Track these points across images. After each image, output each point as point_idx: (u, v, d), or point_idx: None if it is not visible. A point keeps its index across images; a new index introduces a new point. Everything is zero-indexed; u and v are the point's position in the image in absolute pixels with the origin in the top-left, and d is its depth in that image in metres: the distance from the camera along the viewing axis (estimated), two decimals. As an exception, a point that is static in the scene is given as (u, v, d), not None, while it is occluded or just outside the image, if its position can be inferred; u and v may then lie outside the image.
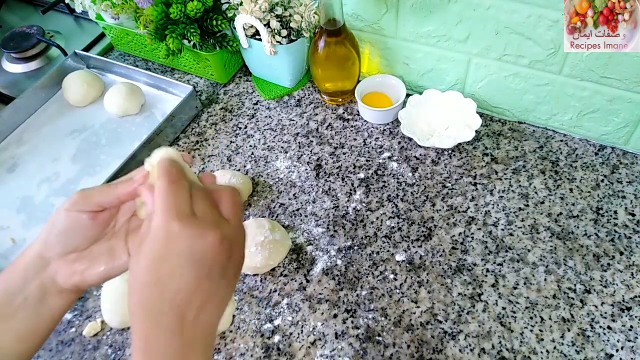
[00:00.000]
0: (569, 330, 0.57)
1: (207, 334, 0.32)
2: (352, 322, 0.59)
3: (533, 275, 0.61)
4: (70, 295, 0.38)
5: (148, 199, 0.34)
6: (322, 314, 0.61)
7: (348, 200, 0.71)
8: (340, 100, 0.83)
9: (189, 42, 0.82)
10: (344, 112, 0.83)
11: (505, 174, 0.72)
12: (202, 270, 0.31)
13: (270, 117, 0.84)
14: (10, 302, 0.36)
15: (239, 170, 0.77)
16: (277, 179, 0.75)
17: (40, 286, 0.37)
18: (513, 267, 0.62)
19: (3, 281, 0.36)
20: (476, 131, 0.73)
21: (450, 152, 0.75)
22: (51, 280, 0.37)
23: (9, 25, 1.13)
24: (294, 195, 0.73)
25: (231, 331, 0.60)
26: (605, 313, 0.58)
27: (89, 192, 0.37)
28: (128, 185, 0.37)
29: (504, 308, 0.59)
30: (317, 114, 0.83)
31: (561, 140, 0.75)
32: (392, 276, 0.63)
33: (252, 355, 0.58)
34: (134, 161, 0.75)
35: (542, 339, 0.56)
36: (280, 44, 0.77)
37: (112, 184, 0.38)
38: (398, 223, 0.68)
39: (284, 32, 0.75)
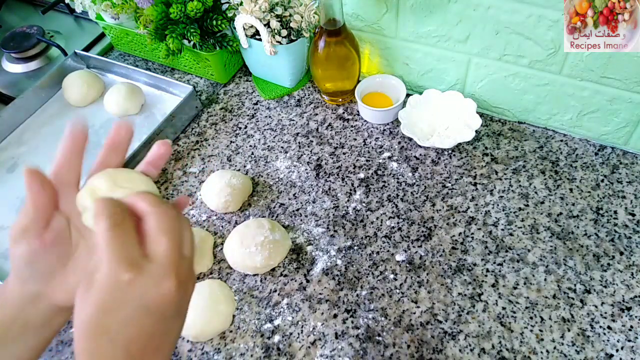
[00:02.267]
0: (569, 330, 0.57)
1: None
2: (352, 322, 0.59)
3: (533, 275, 0.61)
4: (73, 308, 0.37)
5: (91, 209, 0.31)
6: (322, 314, 0.61)
7: (348, 200, 0.71)
8: (340, 100, 0.83)
9: (189, 42, 0.82)
10: (344, 112, 0.83)
11: (505, 174, 0.72)
12: (157, 317, 0.30)
13: (270, 117, 0.84)
14: (7, 330, 0.34)
15: (239, 170, 0.77)
16: (277, 179, 0.75)
17: (41, 315, 0.35)
18: (513, 267, 0.62)
19: None
20: (476, 131, 0.73)
21: (450, 152, 0.75)
22: (51, 305, 0.35)
23: (9, 25, 1.13)
24: (294, 195, 0.73)
25: (231, 331, 0.60)
26: (605, 313, 0.58)
27: (15, 222, 0.35)
28: (32, 197, 0.35)
29: (504, 308, 0.59)
30: (317, 114, 0.83)
31: (561, 140, 0.75)
32: (392, 276, 0.63)
33: (252, 355, 0.58)
34: (134, 161, 0.75)
35: (542, 339, 0.56)
36: (280, 44, 0.77)
37: (27, 201, 0.35)
38: (398, 223, 0.68)
39: (284, 32, 0.76)
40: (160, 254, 0.30)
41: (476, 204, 0.69)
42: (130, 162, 0.75)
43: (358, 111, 0.82)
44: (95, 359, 0.29)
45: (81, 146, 0.38)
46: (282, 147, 0.79)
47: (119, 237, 0.30)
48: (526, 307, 0.59)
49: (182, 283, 0.31)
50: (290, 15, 0.75)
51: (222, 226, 0.71)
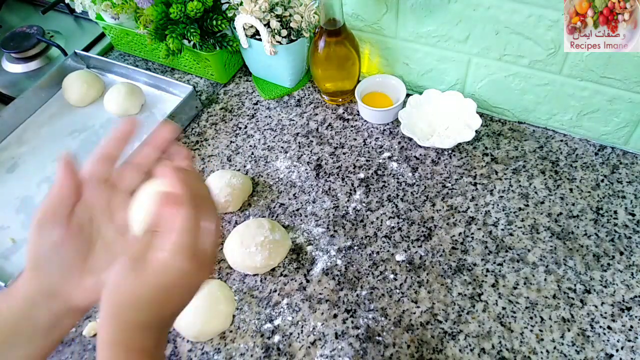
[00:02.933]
0: (569, 330, 0.57)
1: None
2: (352, 322, 0.59)
3: (533, 275, 0.61)
4: (85, 310, 0.37)
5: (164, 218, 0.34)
6: (322, 314, 0.61)
7: (348, 200, 0.71)
8: (340, 100, 0.83)
9: (189, 42, 0.82)
10: (344, 112, 0.83)
11: (505, 174, 0.72)
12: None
13: (270, 117, 0.84)
14: (17, 329, 0.34)
15: (239, 170, 0.77)
16: (277, 179, 0.75)
17: (52, 315, 0.35)
18: (513, 267, 0.62)
19: (1, 312, 0.34)
20: (476, 131, 0.73)
21: (450, 152, 0.75)
22: (65, 306, 0.35)
23: (9, 25, 1.13)
24: (294, 195, 0.73)
25: (231, 331, 0.60)
26: (605, 313, 0.58)
27: (41, 208, 0.36)
28: (61, 183, 0.36)
29: (504, 308, 0.59)
30: (317, 114, 0.83)
31: (561, 140, 0.75)
32: (392, 276, 0.63)
33: (252, 355, 0.58)
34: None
35: (542, 339, 0.56)
36: (280, 44, 0.77)
37: (54, 187, 0.37)
38: (398, 223, 0.68)
39: (284, 32, 0.76)
40: (204, 249, 0.35)
41: (476, 204, 0.69)
42: (129, 163, 0.75)
43: (358, 111, 0.82)
44: (142, 324, 0.33)
45: (121, 147, 0.41)
46: (282, 147, 0.79)
47: (195, 230, 0.33)
48: (526, 307, 0.59)
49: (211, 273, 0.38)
50: (290, 15, 0.75)
51: (222, 226, 0.71)
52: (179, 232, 0.33)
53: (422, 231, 0.67)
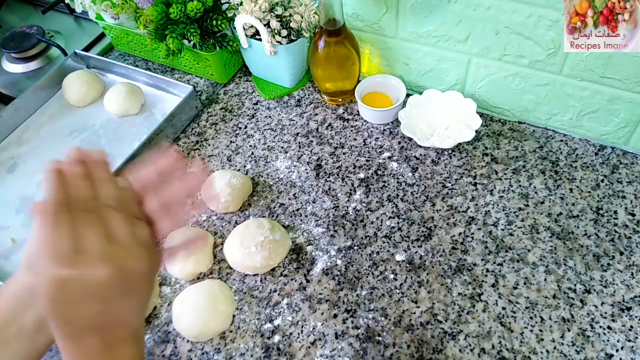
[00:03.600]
0: (569, 330, 0.57)
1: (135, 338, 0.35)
2: (352, 322, 0.59)
3: (533, 275, 0.61)
4: None
5: None
6: (322, 314, 0.61)
7: (348, 200, 0.71)
8: (340, 100, 0.83)
9: (189, 42, 0.82)
10: (344, 112, 0.83)
11: (505, 174, 0.72)
12: (100, 299, 0.32)
13: (270, 117, 0.84)
14: (3, 330, 0.34)
15: (239, 170, 0.77)
16: (277, 179, 0.75)
17: (36, 316, 0.35)
18: (513, 267, 0.62)
19: None
20: (476, 131, 0.73)
21: (450, 152, 0.75)
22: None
23: (9, 25, 1.13)
24: (294, 195, 0.73)
25: (231, 331, 0.60)
26: (605, 313, 0.58)
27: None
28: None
29: (504, 308, 0.59)
30: (317, 114, 0.83)
31: (561, 140, 0.75)
32: (392, 276, 0.63)
33: (252, 355, 0.58)
34: (134, 161, 0.75)
35: (542, 339, 0.56)
36: (280, 44, 0.77)
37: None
38: (398, 223, 0.68)
39: (284, 32, 0.76)
40: (86, 245, 0.32)
41: (476, 204, 0.69)
42: (130, 162, 0.75)
43: (358, 111, 0.82)
44: (67, 340, 0.32)
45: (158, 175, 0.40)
46: (282, 147, 0.79)
47: (51, 234, 0.32)
48: (526, 307, 0.59)
49: (120, 266, 0.33)
50: (290, 15, 0.75)
51: (222, 226, 0.71)
52: (36, 242, 0.32)
53: (422, 231, 0.67)
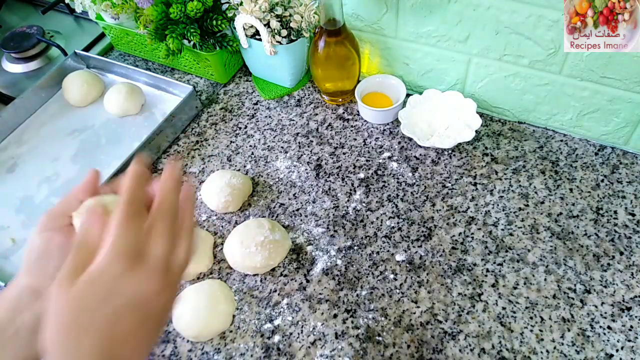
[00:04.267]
0: (569, 330, 0.57)
1: None
2: (352, 322, 0.59)
3: (533, 275, 0.61)
4: None
5: (89, 223, 0.32)
6: (322, 314, 0.61)
7: (348, 200, 0.71)
8: (340, 100, 0.83)
9: (189, 42, 0.82)
10: (344, 112, 0.83)
11: (505, 174, 0.72)
12: (142, 315, 0.30)
13: (270, 117, 0.84)
14: (2, 331, 0.34)
15: (239, 170, 0.77)
16: (277, 179, 0.75)
17: (33, 318, 0.35)
18: (513, 267, 0.62)
19: None
20: (476, 131, 0.73)
21: (450, 152, 0.75)
22: (44, 309, 0.35)
23: (9, 25, 1.13)
24: (294, 195, 0.73)
25: (231, 331, 0.60)
26: (605, 313, 0.58)
27: (52, 208, 0.36)
28: (82, 186, 0.37)
29: (504, 308, 0.59)
30: (317, 114, 0.83)
31: (561, 140, 0.75)
32: (392, 276, 0.63)
33: (252, 355, 0.58)
34: (133, 161, 0.75)
35: (542, 339, 0.56)
36: (280, 44, 0.77)
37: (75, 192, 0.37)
38: (398, 223, 0.68)
39: (284, 32, 0.75)
40: (155, 255, 0.31)
41: (476, 204, 0.69)
42: (130, 162, 0.75)
43: (358, 111, 0.82)
44: (72, 355, 0.28)
45: (146, 182, 0.37)
46: (282, 147, 0.79)
47: (128, 228, 0.31)
48: (526, 307, 0.59)
49: (167, 288, 0.31)
50: (290, 15, 0.75)
51: (222, 226, 0.71)
52: (112, 227, 0.30)
53: (422, 231, 0.67)
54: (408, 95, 0.79)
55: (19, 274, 0.36)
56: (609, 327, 0.56)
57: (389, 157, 0.76)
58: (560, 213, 0.67)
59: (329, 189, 0.73)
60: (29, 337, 0.35)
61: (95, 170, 0.38)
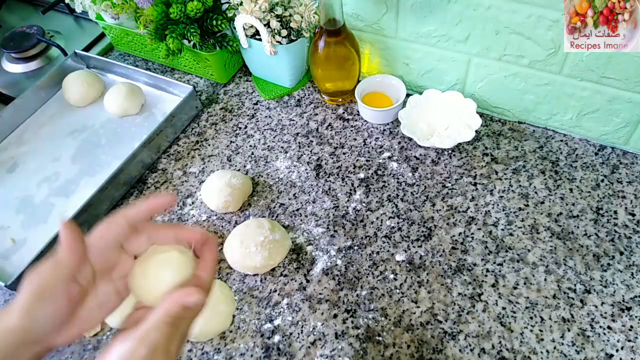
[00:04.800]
0: (569, 330, 0.57)
1: None
2: (352, 322, 0.59)
3: (533, 275, 0.61)
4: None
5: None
6: (322, 314, 0.61)
7: (348, 200, 0.71)
8: (340, 100, 0.83)
9: (189, 42, 0.82)
10: (344, 112, 0.83)
11: (505, 174, 0.72)
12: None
13: (270, 117, 0.84)
14: None
15: (239, 170, 0.77)
16: (277, 179, 0.75)
17: (33, 355, 0.35)
18: (513, 267, 0.62)
19: None
20: (476, 131, 0.73)
21: (450, 152, 0.75)
22: (47, 348, 0.36)
23: (9, 25, 1.13)
24: (294, 195, 0.73)
25: (231, 331, 0.60)
26: (605, 313, 0.58)
27: (45, 275, 0.35)
28: (70, 250, 0.36)
29: (504, 308, 0.59)
30: (317, 114, 0.83)
31: (561, 140, 0.75)
32: (392, 276, 0.63)
33: (252, 355, 0.58)
34: (133, 161, 0.75)
35: (542, 339, 0.56)
36: (280, 44, 0.77)
37: (58, 257, 0.36)
38: (398, 223, 0.68)
39: (284, 32, 0.76)
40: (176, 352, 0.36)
41: (476, 204, 0.69)
42: (130, 162, 0.75)
43: (358, 111, 0.82)
44: None
45: (147, 218, 0.40)
46: (282, 147, 0.79)
47: (172, 336, 0.35)
48: (526, 307, 0.59)
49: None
50: (290, 15, 0.75)
51: (222, 226, 0.71)
52: (155, 329, 0.34)
53: (422, 231, 0.67)
54: (408, 95, 0.79)
55: (9, 316, 0.34)
56: (609, 327, 0.56)
57: (389, 157, 0.76)
58: (560, 213, 0.67)
59: (329, 189, 0.73)
60: None
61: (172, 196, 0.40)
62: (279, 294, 0.63)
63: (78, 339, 0.36)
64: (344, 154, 0.77)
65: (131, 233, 0.38)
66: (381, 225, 0.68)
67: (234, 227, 0.68)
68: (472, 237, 0.65)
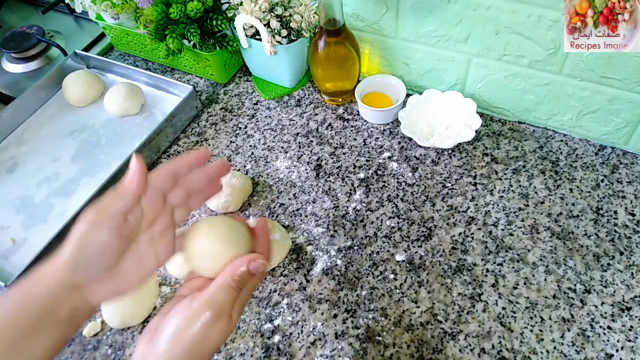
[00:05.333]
0: (569, 330, 0.57)
1: None
2: (352, 322, 0.59)
3: (533, 275, 0.61)
4: (96, 310, 0.39)
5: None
6: (322, 314, 0.61)
7: (348, 200, 0.71)
8: (340, 100, 0.83)
9: (189, 42, 0.82)
10: (344, 112, 0.83)
11: (505, 174, 0.72)
12: (210, 356, 0.37)
13: (270, 117, 0.84)
14: (42, 320, 0.34)
15: (239, 170, 0.77)
16: (277, 179, 0.75)
17: (72, 308, 0.35)
18: (513, 267, 0.62)
19: (28, 303, 0.35)
20: (476, 131, 0.73)
21: (450, 152, 0.75)
22: (84, 303, 0.36)
23: (9, 25, 1.13)
24: (294, 195, 0.73)
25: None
26: (605, 313, 0.58)
27: (104, 204, 0.36)
28: (136, 185, 0.37)
29: (504, 308, 0.59)
30: (317, 114, 0.83)
31: (561, 140, 0.75)
32: (392, 276, 0.63)
33: (252, 355, 0.58)
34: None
35: (542, 339, 0.56)
36: (280, 44, 0.77)
37: (121, 186, 0.37)
38: (398, 223, 0.68)
39: (284, 32, 0.76)
40: (236, 316, 0.39)
41: (476, 204, 0.69)
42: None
43: (358, 111, 0.82)
44: None
45: (190, 170, 0.41)
46: (282, 147, 0.79)
47: (234, 298, 0.37)
48: (526, 307, 0.59)
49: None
50: (290, 15, 0.75)
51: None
52: (219, 290, 0.37)
53: (422, 231, 0.67)
54: (408, 95, 0.79)
55: (53, 264, 0.35)
56: (609, 327, 0.56)
57: (389, 157, 0.76)
58: (560, 213, 0.67)
59: (329, 189, 0.73)
60: (66, 325, 0.36)
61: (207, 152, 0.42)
62: (279, 294, 0.63)
63: (113, 298, 0.37)
64: (344, 154, 0.77)
65: (173, 184, 0.40)
66: (381, 225, 0.68)
67: (234, 227, 0.68)
68: (472, 237, 0.65)
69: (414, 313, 0.59)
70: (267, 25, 0.74)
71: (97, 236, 0.35)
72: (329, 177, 0.74)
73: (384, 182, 0.73)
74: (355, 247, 0.66)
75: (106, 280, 0.36)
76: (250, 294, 0.39)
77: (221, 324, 0.36)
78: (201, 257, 0.39)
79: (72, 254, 0.35)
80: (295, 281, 0.64)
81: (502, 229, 0.66)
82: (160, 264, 0.40)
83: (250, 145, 0.80)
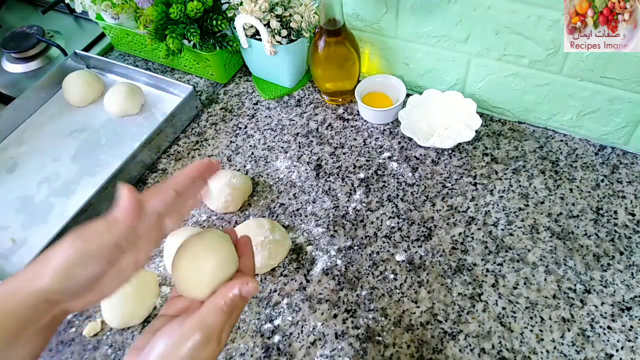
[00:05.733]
0: (569, 330, 0.57)
1: None
2: (352, 322, 0.59)
3: (533, 275, 0.61)
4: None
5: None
6: (322, 314, 0.61)
7: (348, 200, 0.71)
8: (340, 100, 0.83)
9: (189, 42, 0.82)
10: (344, 112, 0.83)
11: (505, 174, 0.72)
12: None
13: (270, 117, 0.84)
14: (19, 332, 0.34)
15: (239, 170, 0.77)
16: (277, 179, 0.75)
17: (51, 317, 0.35)
18: (513, 267, 0.62)
19: (10, 313, 0.33)
20: (476, 131, 0.73)
21: (450, 152, 0.75)
22: (64, 312, 0.36)
23: (9, 25, 1.13)
24: (294, 195, 0.73)
25: (231, 331, 0.60)
26: (605, 313, 0.58)
27: (94, 233, 0.35)
28: (129, 216, 0.36)
29: (504, 308, 0.59)
30: (317, 114, 0.83)
31: (561, 140, 0.75)
32: (392, 276, 0.63)
33: (252, 355, 0.58)
34: (133, 161, 0.75)
35: (542, 339, 0.56)
36: (280, 44, 0.77)
37: (114, 217, 0.36)
38: (398, 223, 0.68)
39: (284, 32, 0.76)
40: (224, 339, 0.38)
41: (476, 204, 0.69)
42: (130, 162, 0.75)
43: (358, 111, 0.82)
44: None
45: (191, 184, 0.41)
46: (282, 147, 0.79)
47: (225, 322, 0.37)
48: (526, 307, 0.59)
49: None
50: (290, 15, 0.75)
51: (222, 226, 0.71)
52: (211, 313, 0.36)
53: (422, 231, 0.67)
54: (408, 95, 0.79)
55: (36, 285, 0.34)
56: (609, 327, 0.56)
57: (389, 157, 0.76)
58: (560, 213, 0.67)
59: (329, 189, 0.73)
60: (44, 331, 0.35)
61: (213, 162, 0.42)
62: (279, 294, 0.63)
63: (92, 306, 0.37)
64: (344, 154, 0.77)
65: (176, 200, 0.39)
66: (381, 225, 0.68)
67: (234, 227, 0.68)
68: (472, 237, 0.65)
69: (414, 313, 0.59)
70: (267, 25, 0.74)
71: (87, 269, 0.34)
72: (329, 177, 0.74)
73: (384, 182, 0.73)
74: (355, 247, 0.66)
75: (86, 296, 0.36)
76: (239, 316, 0.39)
77: (210, 347, 0.36)
78: (189, 282, 0.39)
79: (57, 282, 0.34)
80: (295, 281, 0.64)
81: (502, 229, 0.66)
82: (140, 268, 0.39)
83: (250, 145, 0.80)
